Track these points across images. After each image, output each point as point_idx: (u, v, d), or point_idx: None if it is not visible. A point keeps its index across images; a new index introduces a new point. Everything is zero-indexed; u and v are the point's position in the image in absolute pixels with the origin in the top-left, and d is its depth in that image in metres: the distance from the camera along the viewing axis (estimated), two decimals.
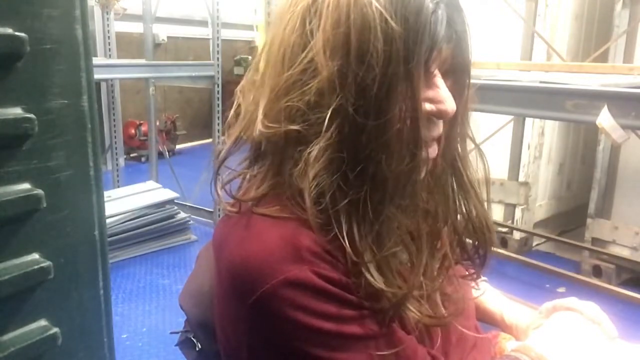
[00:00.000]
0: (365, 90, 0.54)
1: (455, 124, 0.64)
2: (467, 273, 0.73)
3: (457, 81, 0.62)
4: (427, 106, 0.58)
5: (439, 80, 0.59)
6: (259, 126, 0.59)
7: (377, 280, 0.57)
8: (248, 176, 0.67)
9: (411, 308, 0.60)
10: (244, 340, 0.61)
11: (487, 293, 0.88)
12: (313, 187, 0.56)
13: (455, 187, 0.66)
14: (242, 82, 0.66)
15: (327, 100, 0.55)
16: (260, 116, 0.59)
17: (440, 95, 0.59)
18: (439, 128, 0.61)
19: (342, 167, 0.56)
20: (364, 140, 0.55)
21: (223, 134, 0.69)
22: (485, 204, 0.69)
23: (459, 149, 0.66)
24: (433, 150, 0.62)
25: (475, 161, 0.69)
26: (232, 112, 0.66)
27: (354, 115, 0.54)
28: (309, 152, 0.56)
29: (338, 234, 0.57)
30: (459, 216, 0.68)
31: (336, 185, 0.56)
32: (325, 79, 0.55)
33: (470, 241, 0.70)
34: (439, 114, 0.59)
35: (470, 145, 0.68)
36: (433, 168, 0.63)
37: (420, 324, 0.63)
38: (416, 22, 0.54)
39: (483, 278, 0.87)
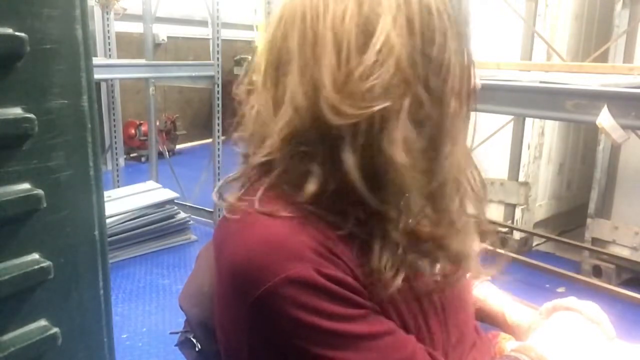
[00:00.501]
0: (433, 66, 0.60)
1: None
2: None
3: None
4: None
5: None
6: (331, 117, 0.59)
7: (429, 216, 0.61)
8: (251, 176, 0.66)
9: (451, 240, 0.63)
10: (244, 340, 0.61)
11: (489, 293, 0.88)
12: (407, 157, 0.58)
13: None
14: (257, 86, 0.66)
15: (404, 75, 0.59)
16: (332, 104, 0.59)
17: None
18: None
19: (419, 123, 0.60)
20: (433, 95, 0.61)
21: (226, 136, 0.69)
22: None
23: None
24: None
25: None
26: (248, 112, 0.66)
27: (426, 82, 0.60)
28: (394, 129, 0.58)
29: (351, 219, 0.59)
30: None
31: (415, 135, 0.60)
32: (403, 56, 0.59)
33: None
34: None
35: None
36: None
37: (421, 313, 0.65)
38: (461, 11, 0.62)
39: (487, 278, 0.88)
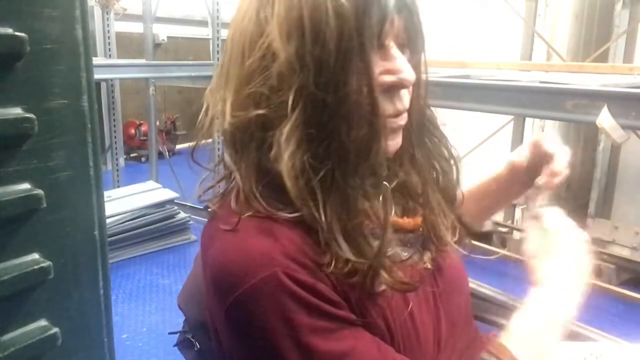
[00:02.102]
0: (322, 68, 0.56)
1: (419, 94, 0.66)
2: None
3: (414, 53, 0.64)
4: (387, 78, 0.60)
5: (395, 51, 0.61)
6: (227, 117, 0.61)
7: (345, 251, 0.58)
8: (228, 176, 0.68)
9: (384, 275, 0.60)
10: (227, 340, 0.62)
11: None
12: (290, 167, 0.57)
13: (426, 154, 0.69)
14: (211, 84, 0.68)
15: (289, 82, 0.57)
16: (228, 107, 0.61)
17: (398, 65, 0.60)
18: (404, 99, 0.63)
19: (312, 144, 0.58)
20: (326, 115, 0.57)
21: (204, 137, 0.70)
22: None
23: (426, 116, 0.69)
24: (402, 119, 0.63)
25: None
26: (202, 113, 0.67)
27: (315, 92, 0.56)
28: (280, 135, 0.57)
29: (315, 212, 0.58)
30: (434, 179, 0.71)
31: (309, 163, 0.58)
32: (285, 61, 0.56)
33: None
34: (400, 84, 0.61)
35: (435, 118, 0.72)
36: (405, 137, 0.66)
37: (411, 317, 0.64)
38: None
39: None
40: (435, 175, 0.71)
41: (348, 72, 0.56)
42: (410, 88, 0.64)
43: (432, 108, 0.72)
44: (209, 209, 0.68)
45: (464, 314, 0.77)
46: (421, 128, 0.68)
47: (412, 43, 0.63)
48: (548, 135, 0.82)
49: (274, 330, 0.56)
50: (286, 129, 0.57)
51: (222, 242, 0.61)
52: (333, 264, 0.58)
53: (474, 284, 1.48)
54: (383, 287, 0.61)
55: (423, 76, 0.66)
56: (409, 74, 0.61)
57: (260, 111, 0.58)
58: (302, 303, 0.56)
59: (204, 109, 0.67)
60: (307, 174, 0.58)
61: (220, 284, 0.59)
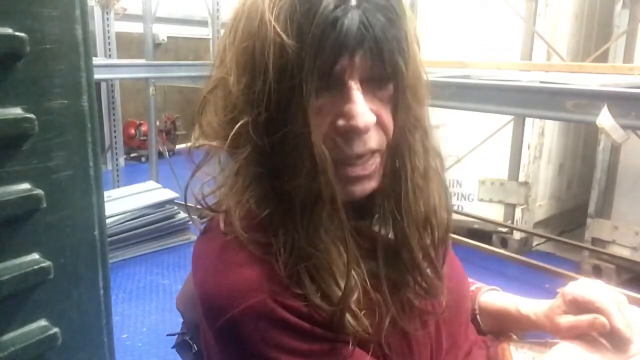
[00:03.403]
0: (267, 106, 0.53)
1: (399, 136, 0.59)
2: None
3: (384, 87, 0.57)
4: (339, 122, 0.55)
5: (355, 93, 0.55)
6: (194, 141, 0.60)
7: (310, 292, 0.55)
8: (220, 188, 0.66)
9: (349, 320, 0.56)
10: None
11: (496, 294, 0.85)
12: (237, 205, 0.56)
13: (406, 190, 0.61)
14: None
15: (239, 117, 0.55)
16: (197, 130, 0.60)
17: (352, 109, 0.54)
18: (365, 143, 0.57)
19: (263, 182, 0.56)
20: (270, 157, 0.55)
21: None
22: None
23: (409, 159, 0.60)
24: (363, 168, 0.58)
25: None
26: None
27: (261, 131, 0.54)
28: (231, 170, 0.56)
29: (275, 247, 0.56)
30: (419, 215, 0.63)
31: (255, 201, 0.56)
32: (235, 94, 0.55)
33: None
34: (351, 130, 0.55)
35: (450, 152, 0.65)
36: (382, 183, 0.60)
37: (406, 337, 0.62)
38: (310, 33, 0.51)
39: (493, 287, 0.86)
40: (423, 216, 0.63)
41: (287, 113, 0.53)
42: (390, 123, 0.58)
43: (432, 108, 0.66)
44: (203, 219, 0.67)
45: (464, 323, 0.76)
46: (404, 161, 0.60)
47: (382, 79, 0.56)
48: (586, 281, 0.74)
49: (263, 357, 0.55)
50: (237, 163, 0.56)
51: (211, 264, 0.60)
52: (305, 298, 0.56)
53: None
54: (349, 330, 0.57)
55: (401, 112, 0.58)
56: (361, 120, 0.54)
57: (214, 143, 0.58)
58: (293, 329, 0.55)
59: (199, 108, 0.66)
60: (270, 212, 0.56)
61: (209, 308, 0.59)
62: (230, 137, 0.56)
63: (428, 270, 0.63)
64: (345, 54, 0.52)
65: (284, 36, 0.52)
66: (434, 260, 0.64)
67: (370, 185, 0.59)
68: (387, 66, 0.55)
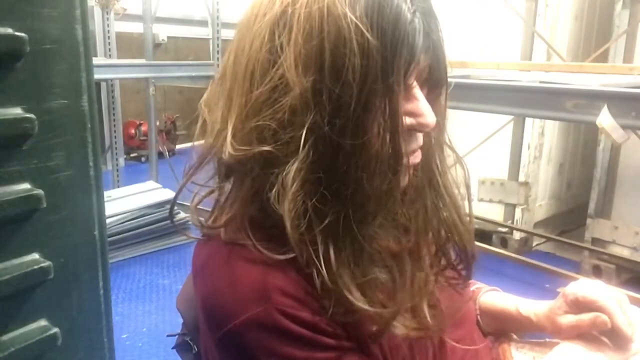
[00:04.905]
0: (341, 108, 0.51)
1: (434, 134, 0.62)
2: (456, 279, 0.70)
3: (434, 90, 0.60)
4: (407, 120, 0.55)
5: (417, 92, 0.56)
6: (228, 148, 0.55)
7: (360, 302, 0.54)
8: (220, 196, 0.65)
9: (397, 324, 0.57)
10: None
11: (496, 295, 0.85)
12: (292, 209, 0.52)
13: (433, 198, 0.64)
14: (206, 95, 0.63)
15: (301, 119, 0.52)
16: (229, 137, 0.55)
17: (420, 108, 0.56)
18: (419, 140, 0.59)
19: (320, 188, 0.53)
20: (341, 159, 0.52)
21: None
22: (466, 207, 0.67)
23: (437, 159, 0.64)
24: (414, 158, 0.59)
25: (455, 169, 0.67)
26: (197, 128, 0.63)
27: (330, 133, 0.51)
28: (285, 174, 0.53)
29: (315, 260, 0.53)
30: (438, 225, 0.65)
31: (313, 207, 0.53)
32: (298, 95, 0.51)
33: (453, 248, 0.68)
34: (420, 127, 0.56)
35: (448, 151, 0.66)
36: (411, 181, 0.60)
37: (407, 341, 0.62)
38: (394, 34, 0.50)
39: (494, 288, 0.86)
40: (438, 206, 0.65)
41: (370, 115, 0.51)
42: None
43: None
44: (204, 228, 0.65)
45: (469, 325, 0.76)
46: (425, 170, 0.62)
47: (433, 80, 0.58)
48: (586, 281, 0.75)
49: None
50: (293, 168, 0.52)
51: (215, 272, 0.59)
52: (332, 309, 0.54)
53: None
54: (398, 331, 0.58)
55: (443, 116, 0.62)
56: (430, 118, 0.56)
57: (266, 147, 0.53)
58: (296, 338, 0.54)
59: (200, 122, 0.63)
60: (310, 219, 0.53)
61: (212, 316, 0.58)
62: (283, 141, 0.53)
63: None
64: (416, 58, 0.53)
65: (367, 35, 0.49)
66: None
67: (407, 178, 0.60)
68: (442, 71, 0.57)
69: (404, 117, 0.54)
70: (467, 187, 0.68)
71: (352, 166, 0.52)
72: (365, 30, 0.50)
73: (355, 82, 0.50)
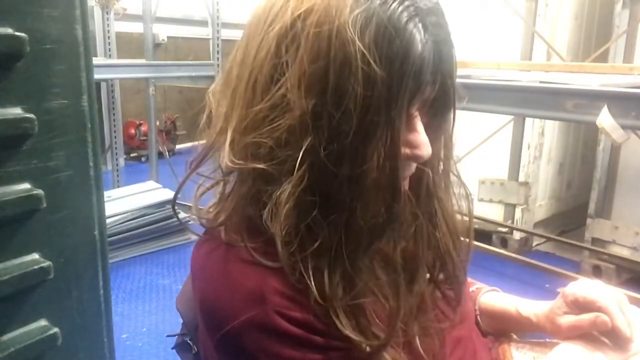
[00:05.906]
0: (339, 135, 0.49)
1: (436, 165, 0.61)
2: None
3: (438, 116, 0.58)
4: (403, 149, 0.54)
5: (418, 123, 0.55)
6: (225, 160, 0.55)
7: (345, 327, 0.53)
8: (223, 189, 0.63)
9: (388, 358, 0.56)
10: None
11: (496, 295, 0.85)
12: (283, 229, 0.52)
13: (430, 229, 0.62)
14: (213, 86, 0.62)
15: (298, 140, 0.50)
16: (227, 148, 0.55)
17: (418, 139, 0.54)
18: (412, 168, 0.58)
19: (313, 211, 0.52)
20: (336, 186, 0.51)
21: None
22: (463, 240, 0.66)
23: (439, 188, 0.63)
24: (406, 183, 0.58)
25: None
26: (204, 117, 0.62)
27: (326, 160, 0.50)
28: (279, 194, 0.52)
29: (305, 278, 0.53)
30: (433, 258, 0.64)
31: (306, 229, 0.52)
32: (298, 117, 0.50)
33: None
34: (415, 159, 0.56)
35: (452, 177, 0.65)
36: (410, 213, 0.59)
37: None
38: (402, 66, 0.49)
39: (494, 288, 0.86)
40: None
41: (368, 146, 0.50)
42: None
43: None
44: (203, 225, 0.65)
45: (469, 325, 0.76)
46: (424, 202, 0.61)
47: (438, 108, 0.57)
48: (586, 282, 0.75)
49: None
50: (287, 188, 0.51)
51: (213, 274, 0.59)
52: (324, 319, 0.54)
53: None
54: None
55: (449, 143, 0.61)
56: (426, 151, 0.55)
57: (260, 165, 0.52)
58: (295, 339, 0.54)
59: (206, 112, 0.62)
60: (302, 240, 0.52)
61: (210, 318, 0.58)
62: (279, 159, 0.52)
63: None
64: (422, 89, 0.52)
65: (374, 65, 0.48)
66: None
67: (402, 213, 0.59)
68: (449, 98, 0.56)
69: (402, 148, 0.53)
70: (470, 216, 0.67)
71: (347, 194, 0.51)
72: (372, 61, 0.48)
73: (357, 111, 0.49)
